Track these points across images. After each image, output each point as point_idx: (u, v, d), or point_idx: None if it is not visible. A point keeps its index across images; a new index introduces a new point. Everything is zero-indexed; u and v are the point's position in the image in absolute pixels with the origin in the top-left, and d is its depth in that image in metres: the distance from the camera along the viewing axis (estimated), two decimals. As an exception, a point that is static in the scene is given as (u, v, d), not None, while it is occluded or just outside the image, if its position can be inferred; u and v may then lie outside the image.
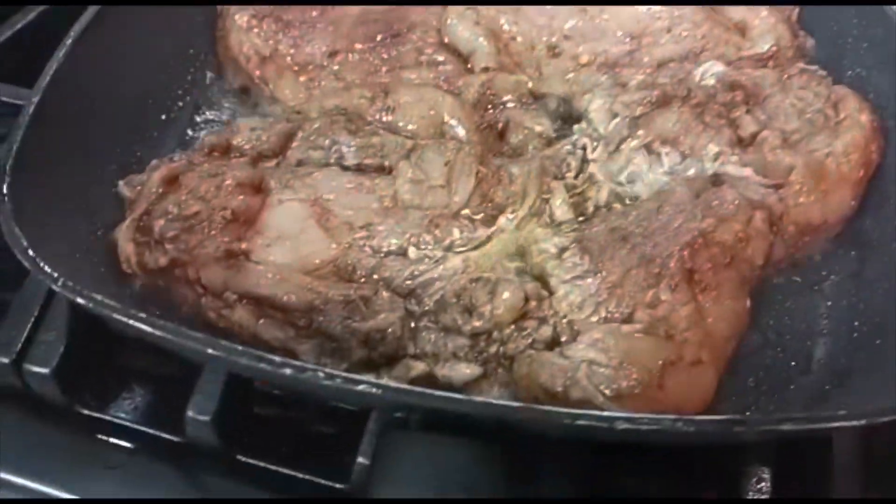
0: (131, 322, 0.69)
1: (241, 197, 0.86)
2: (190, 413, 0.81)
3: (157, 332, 0.69)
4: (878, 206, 0.97)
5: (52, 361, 0.85)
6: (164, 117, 1.05)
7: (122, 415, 0.89)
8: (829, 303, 0.94)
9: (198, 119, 1.07)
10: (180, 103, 1.08)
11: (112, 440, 0.87)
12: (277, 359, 0.67)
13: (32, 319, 0.85)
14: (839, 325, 0.91)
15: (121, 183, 0.91)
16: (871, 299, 0.92)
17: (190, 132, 1.06)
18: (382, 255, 0.85)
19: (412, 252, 0.86)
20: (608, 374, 0.73)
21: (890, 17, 1.08)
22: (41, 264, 0.71)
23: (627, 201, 0.96)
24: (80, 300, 0.70)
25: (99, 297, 0.70)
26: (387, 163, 0.95)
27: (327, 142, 0.96)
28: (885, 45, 1.07)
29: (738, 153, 0.98)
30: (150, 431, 0.88)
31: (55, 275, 0.71)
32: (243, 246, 0.84)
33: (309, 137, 0.96)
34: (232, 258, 0.83)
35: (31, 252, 0.71)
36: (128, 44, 1.00)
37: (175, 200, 0.85)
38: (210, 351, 0.67)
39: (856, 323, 0.90)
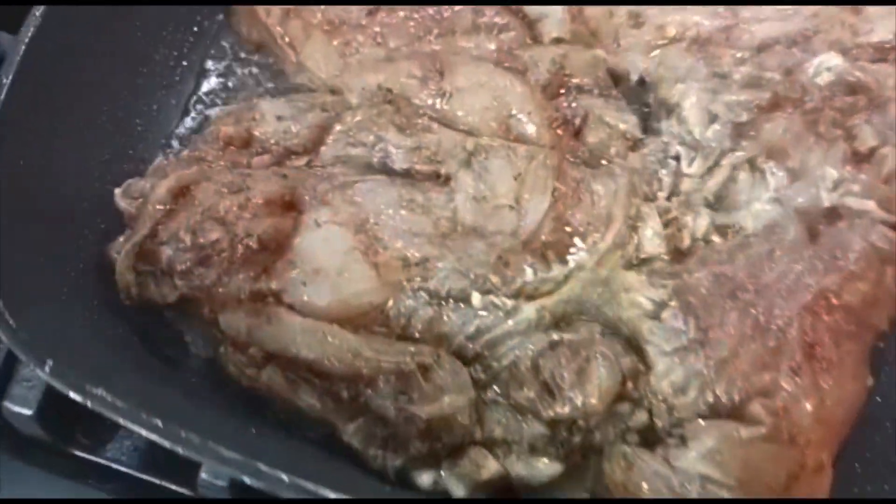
0: (134, 427, 0.53)
1: (270, 220, 0.69)
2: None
3: (163, 441, 0.53)
4: None
5: (34, 402, 0.70)
6: (164, 82, 0.85)
7: (122, 458, 0.75)
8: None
9: (204, 87, 0.87)
10: (185, 62, 0.88)
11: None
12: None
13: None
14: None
15: (117, 192, 0.72)
16: None
17: (197, 106, 0.86)
18: (441, 301, 0.69)
19: (476, 299, 0.70)
20: (727, 495, 0.60)
21: None
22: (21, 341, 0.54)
23: (730, 234, 0.80)
24: (74, 395, 0.54)
25: (98, 392, 0.54)
26: (443, 170, 0.77)
27: (371, 138, 0.78)
28: None
29: (860, 179, 0.82)
30: (151, 479, 0.75)
31: (43, 359, 0.54)
32: (273, 285, 0.67)
33: (349, 132, 0.78)
34: (259, 301, 0.67)
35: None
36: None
37: (187, 222, 0.68)
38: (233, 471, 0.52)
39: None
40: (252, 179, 0.71)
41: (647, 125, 0.89)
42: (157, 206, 0.68)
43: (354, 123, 0.78)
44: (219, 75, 0.89)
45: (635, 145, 0.86)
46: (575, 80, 0.90)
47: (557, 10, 0.93)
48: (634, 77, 0.94)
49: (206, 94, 0.87)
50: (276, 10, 0.89)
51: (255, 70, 0.90)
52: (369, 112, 0.78)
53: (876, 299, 0.74)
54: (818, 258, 0.75)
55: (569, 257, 0.75)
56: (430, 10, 0.92)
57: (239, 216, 0.68)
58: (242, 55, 0.91)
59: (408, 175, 0.78)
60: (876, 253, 0.76)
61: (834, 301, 0.72)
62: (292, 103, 0.79)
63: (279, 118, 0.77)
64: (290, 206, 0.72)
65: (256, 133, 0.77)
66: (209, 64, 0.89)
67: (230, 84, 0.88)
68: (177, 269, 0.67)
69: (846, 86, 0.88)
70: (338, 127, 0.78)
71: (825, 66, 0.90)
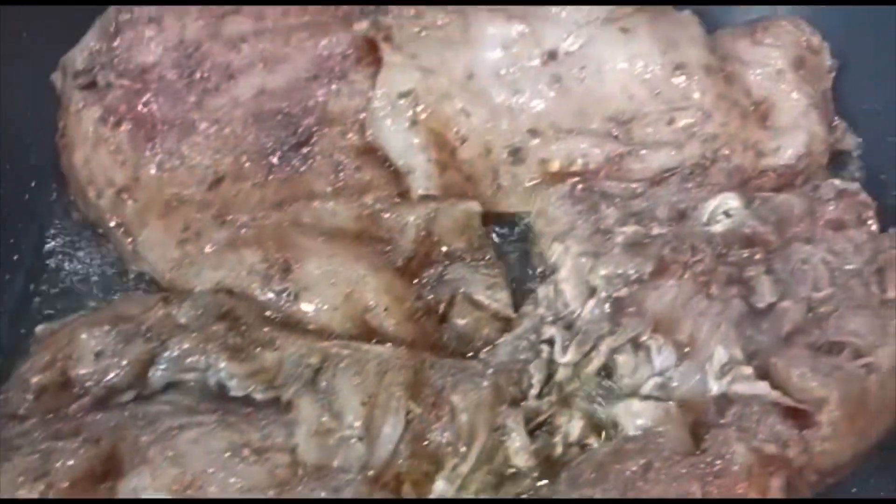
0: None
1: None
2: None
3: None
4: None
5: None
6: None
7: None
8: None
9: (32, 287, 0.79)
10: (15, 256, 0.80)
11: None
12: None
13: None
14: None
15: None
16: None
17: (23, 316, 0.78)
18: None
19: (317, 566, 0.64)
20: None
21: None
22: None
23: (603, 436, 0.73)
24: None
25: None
26: (284, 396, 0.70)
27: (203, 362, 0.71)
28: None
29: (748, 345, 0.75)
30: None
31: None
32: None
33: (177, 359, 0.70)
34: None
35: None
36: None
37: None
38: None
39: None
40: (59, 454, 0.64)
41: (526, 290, 0.82)
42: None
43: (183, 351, 0.70)
44: (52, 269, 0.81)
45: (508, 325, 0.79)
46: (444, 248, 0.81)
47: (424, 163, 0.84)
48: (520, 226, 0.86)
49: (35, 294, 0.80)
50: (109, 191, 0.81)
51: (93, 258, 0.81)
52: (199, 337, 0.70)
53: (758, 516, 0.67)
54: (699, 476, 0.68)
55: (428, 488, 0.69)
56: (285, 169, 0.84)
57: (40, 499, 0.62)
58: (78, 242, 0.82)
59: (247, 403, 0.71)
60: (759, 463, 0.69)
61: (713, 530, 0.66)
62: (115, 329, 0.71)
63: (97, 355, 0.70)
64: (105, 473, 0.65)
65: (73, 375, 0.69)
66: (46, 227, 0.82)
67: (60, 282, 0.80)
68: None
69: (744, 238, 0.80)
70: (165, 354, 0.71)
71: (721, 209, 0.82)
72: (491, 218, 0.87)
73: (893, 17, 0.89)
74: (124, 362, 0.70)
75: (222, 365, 0.70)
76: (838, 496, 0.76)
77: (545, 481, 0.71)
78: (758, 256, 0.79)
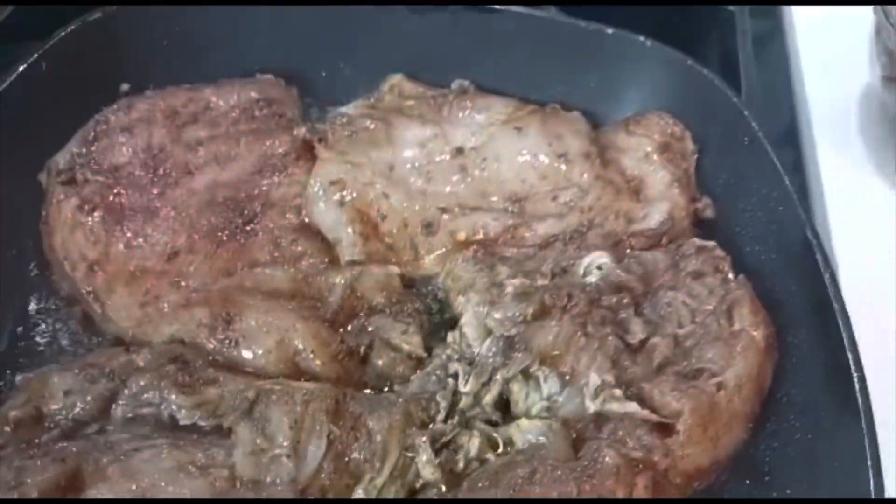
0: None
1: (44, 511, 0.74)
2: None
3: None
4: (775, 435, 0.89)
5: None
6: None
7: None
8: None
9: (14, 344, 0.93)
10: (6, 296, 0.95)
11: None
12: None
13: None
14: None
15: None
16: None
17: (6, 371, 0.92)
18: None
19: (248, 561, 0.75)
20: None
21: (786, 185, 0.99)
22: None
23: (499, 451, 0.86)
24: None
25: None
26: (226, 423, 0.83)
27: (157, 398, 0.84)
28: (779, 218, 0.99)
29: (624, 375, 0.89)
30: None
31: None
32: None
33: (136, 396, 0.83)
34: None
35: None
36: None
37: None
38: None
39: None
40: (29, 470, 0.76)
41: (437, 337, 0.96)
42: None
43: (140, 388, 0.84)
44: (33, 331, 0.95)
45: (420, 363, 0.93)
46: (367, 302, 0.96)
47: (349, 234, 1.00)
48: (430, 287, 1.01)
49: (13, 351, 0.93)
50: (82, 265, 0.96)
51: (68, 322, 0.96)
52: (154, 376, 0.84)
53: (625, 513, 0.79)
54: (575, 477, 0.80)
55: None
56: (232, 244, 0.99)
57: (12, 513, 0.73)
58: (55, 307, 0.97)
59: (193, 430, 0.83)
60: (627, 466, 0.81)
61: (585, 521, 0.78)
62: (83, 373, 0.85)
63: (66, 393, 0.83)
64: (69, 487, 0.77)
65: (45, 410, 0.82)
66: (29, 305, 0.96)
67: (39, 340, 0.94)
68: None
69: (614, 286, 0.96)
70: (125, 392, 0.84)
71: (594, 264, 0.98)
72: (413, 281, 1.02)
73: (736, 110, 1.09)
74: (89, 398, 0.83)
75: (173, 398, 0.83)
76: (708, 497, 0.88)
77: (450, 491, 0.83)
78: (626, 301, 0.95)
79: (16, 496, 0.74)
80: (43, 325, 0.96)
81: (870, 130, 1.25)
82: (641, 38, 1.16)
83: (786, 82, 1.39)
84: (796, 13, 1.41)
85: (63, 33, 1.06)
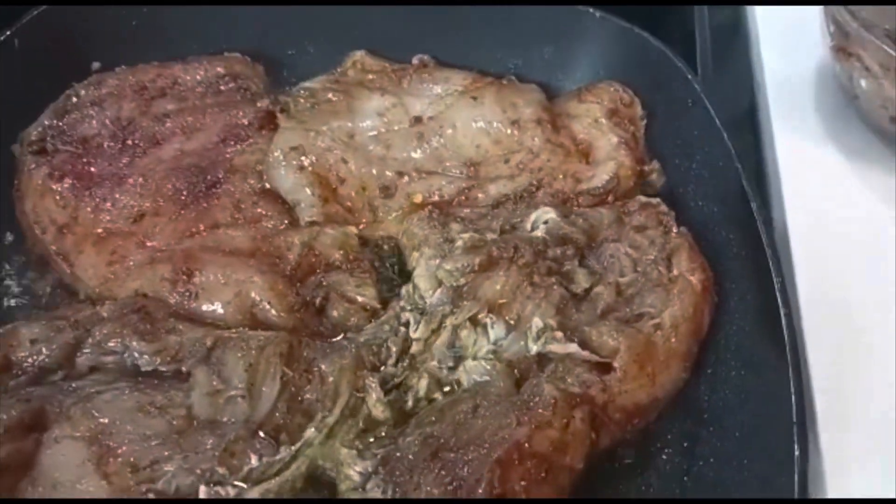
0: None
1: (11, 445, 0.78)
2: None
3: None
4: (713, 374, 0.93)
5: None
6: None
7: None
8: (661, 481, 0.91)
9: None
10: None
11: None
12: None
13: None
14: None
15: None
16: (703, 476, 0.89)
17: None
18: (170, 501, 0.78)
19: (203, 492, 0.79)
20: None
21: (726, 142, 1.03)
22: None
23: (447, 389, 0.90)
24: None
25: None
26: (185, 367, 0.87)
27: (120, 345, 0.88)
28: (720, 174, 1.03)
29: (568, 322, 0.93)
30: None
31: None
32: (13, 505, 0.76)
33: (99, 344, 0.88)
34: (-1, 522, 0.75)
35: None
36: None
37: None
38: None
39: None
40: (-2, 407, 0.81)
41: (391, 293, 1.01)
42: None
43: (103, 336, 0.88)
44: (6, 293, 0.99)
45: (374, 315, 0.97)
46: (324, 259, 1.01)
47: (308, 196, 1.05)
48: (387, 245, 1.06)
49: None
50: (52, 228, 1.01)
51: (42, 285, 1.00)
52: (117, 325, 0.88)
53: (564, 444, 0.83)
54: (515, 410, 0.85)
55: (300, 435, 0.85)
56: (195, 207, 1.04)
57: (-22, 445, 0.78)
58: (29, 271, 1.01)
59: (154, 375, 0.88)
60: (565, 399, 0.85)
61: (525, 450, 0.82)
62: (50, 323, 0.89)
63: (33, 342, 0.87)
64: (33, 426, 0.82)
65: (13, 358, 0.87)
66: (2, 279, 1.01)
67: (13, 303, 0.99)
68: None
69: (559, 238, 1.00)
70: (90, 340, 0.88)
71: (541, 219, 1.02)
72: (371, 241, 1.07)
73: (682, 76, 1.13)
74: (54, 346, 0.88)
75: (135, 344, 0.88)
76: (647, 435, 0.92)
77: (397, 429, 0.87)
78: (570, 252, 0.99)
79: (-18, 432, 0.78)
80: (18, 289, 1.00)
81: (824, 100, 1.29)
82: (591, 10, 1.20)
83: (743, 57, 1.43)
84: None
85: (35, 12, 1.11)
